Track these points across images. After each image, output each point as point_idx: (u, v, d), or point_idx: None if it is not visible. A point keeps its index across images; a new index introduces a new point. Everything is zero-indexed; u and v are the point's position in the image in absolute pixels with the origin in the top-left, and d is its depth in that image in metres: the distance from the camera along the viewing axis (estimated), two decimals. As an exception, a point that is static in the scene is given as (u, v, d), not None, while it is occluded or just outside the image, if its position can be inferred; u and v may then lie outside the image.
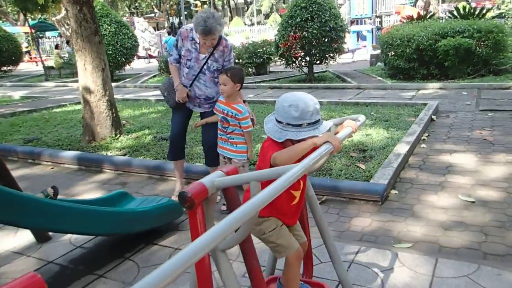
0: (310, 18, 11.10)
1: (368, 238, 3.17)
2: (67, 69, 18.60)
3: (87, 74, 6.06)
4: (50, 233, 3.33)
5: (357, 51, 18.79)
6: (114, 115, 6.33)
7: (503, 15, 18.45)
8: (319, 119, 1.89)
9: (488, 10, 13.76)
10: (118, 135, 6.33)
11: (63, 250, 3.17)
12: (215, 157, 3.80)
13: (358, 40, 21.54)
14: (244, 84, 3.61)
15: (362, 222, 3.44)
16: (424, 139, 5.69)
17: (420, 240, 3.09)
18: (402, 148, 4.90)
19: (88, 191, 4.56)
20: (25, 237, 3.35)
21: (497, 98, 8.25)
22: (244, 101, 3.63)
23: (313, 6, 11.08)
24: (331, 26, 11.13)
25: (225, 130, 3.54)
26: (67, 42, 22.36)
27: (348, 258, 2.78)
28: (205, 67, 3.78)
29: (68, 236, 3.36)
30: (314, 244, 2.94)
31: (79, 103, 10.18)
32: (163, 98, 4.11)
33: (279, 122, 1.89)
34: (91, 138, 6.20)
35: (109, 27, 14.45)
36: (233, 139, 3.52)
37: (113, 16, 14.92)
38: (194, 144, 5.87)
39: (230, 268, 1.66)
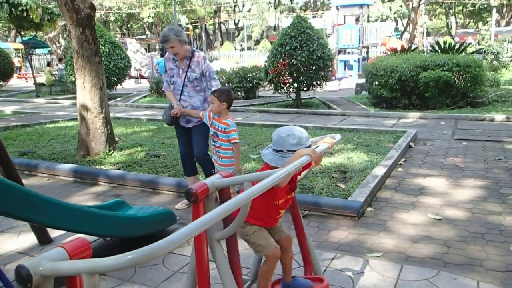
0: (299, 47, 11.63)
1: (344, 248, 3.50)
2: (58, 87, 18.85)
3: (86, 92, 6.38)
4: (52, 236, 3.59)
5: (343, 79, 19.43)
6: (109, 131, 6.63)
7: (483, 50, 19.35)
8: (310, 144, 2.27)
9: (468, 45, 14.51)
10: (112, 151, 6.62)
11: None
12: (209, 164, 4.33)
13: (345, 69, 22.23)
14: (233, 107, 4.05)
15: (339, 234, 3.77)
16: (401, 164, 6.09)
17: (390, 250, 3.43)
18: (379, 171, 5.28)
19: (84, 201, 4.82)
20: (27, 239, 3.60)
21: (472, 128, 8.75)
22: None
23: (302, 36, 11.63)
24: (319, 55, 11.67)
25: (215, 144, 4.05)
26: (60, 60, 22.67)
27: (324, 263, 3.10)
28: (186, 79, 4.38)
29: (69, 239, 3.62)
30: (296, 251, 3.27)
31: (71, 119, 10.48)
32: (157, 118, 4.61)
33: (278, 151, 2.25)
34: (86, 153, 6.47)
35: (103, 47, 14.83)
36: (219, 152, 4.02)
37: (107, 37, 15.36)
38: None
39: (224, 257, 1.97)
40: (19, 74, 30.38)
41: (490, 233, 3.71)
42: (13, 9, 15.41)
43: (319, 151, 2.18)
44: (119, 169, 5.83)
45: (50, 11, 16.07)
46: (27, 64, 29.82)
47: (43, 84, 19.11)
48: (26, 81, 28.34)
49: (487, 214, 4.13)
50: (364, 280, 2.85)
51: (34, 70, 21.00)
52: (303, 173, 2.52)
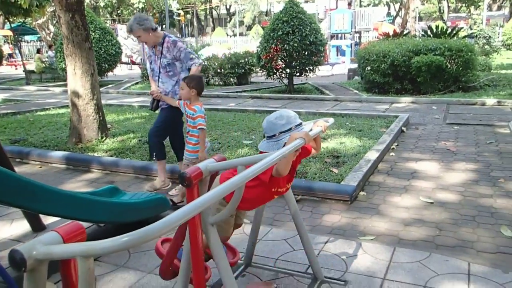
0: (291, 32, 11.58)
1: (337, 231, 3.53)
2: (49, 74, 18.65)
3: (77, 79, 6.31)
4: (45, 223, 3.58)
5: (336, 65, 19.40)
6: (101, 118, 6.59)
7: (474, 35, 19.37)
8: (301, 122, 2.26)
9: (460, 30, 14.52)
10: (104, 138, 6.58)
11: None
12: (152, 147, 4.66)
13: (337, 54, 22.20)
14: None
15: (333, 218, 3.80)
16: (393, 148, 6.12)
17: (382, 233, 3.46)
18: (372, 155, 5.31)
19: (77, 188, 4.80)
20: (20, 227, 3.59)
21: (464, 112, 8.80)
22: None
23: (294, 21, 11.56)
24: (311, 40, 11.63)
25: (187, 131, 4.10)
26: (50, 47, 22.38)
27: (318, 247, 3.12)
28: (160, 65, 4.49)
29: (60, 224, 3.62)
30: (288, 235, 3.30)
31: (62, 107, 10.39)
32: (148, 105, 4.63)
33: (271, 137, 2.24)
34: (78, 140, 6.43)
35: (93, 34, 14.64)
36: (187, 138, 4.10)
37: (97, 23, 15.16)
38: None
39: (218, 240, 1.98)
40: (9, 62, 29.96)
41: (481, 215, 3.75)
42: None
43: (313, 134, 2.17)
44: (111, 156, 5.81)
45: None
46: (17, 51, 29.41)
47: (33, 72, 18.89)
48: (16, 69, 27.99)
49: (478, 197, 4.17)
50: (357, 263, 2.88)
51: (23, 57, 20.72)
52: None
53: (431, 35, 13.56)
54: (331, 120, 2.51)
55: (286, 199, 2.63)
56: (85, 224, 3.51)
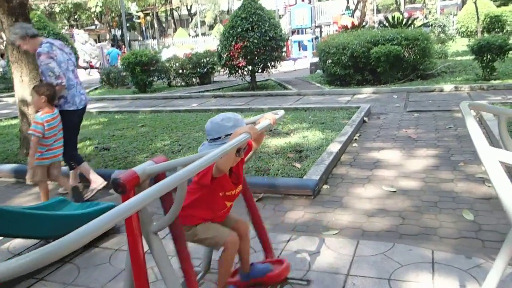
0: (250, 28, 11.45)
1: (300, 228, 3.43)
2: (1, 84, 17.86)
3: (24, 86, 5.97)
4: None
5: (298, 60, 19.43)
6: (54, 126, 6.26)
7: (430, 24, 19.76)
8: (247, 124, 2.14)
9: (415, 19, 14.77)
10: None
11: (0, 258, 3.18)
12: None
13: (299, 49, 22.25)
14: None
15: (295, 214, 3.70)
16: (356, 139, 6.09)
17: (346, 226, 3.38)
18: (334, 147, 5.24)
19: (27, 203, 4.54)
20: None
21: (423, 100, 8.91)
22: None
23: (253, 17, 11.44)
24: (271, 35, 11.54)
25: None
26: (1, 56, 21.47)
27: (280, 246, 3.01)
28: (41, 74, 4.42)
29: (6, 244, 3.37)
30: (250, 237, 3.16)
31: (15, 117, 9.90)
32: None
33: (215, 139, 2.09)
34: (28, 152, 6.08)
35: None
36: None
37: (50, 29, 14.62)
38: (137, 152, 5.94)
39: (163, 250, 1.83)
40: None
41: (442, 200, 3.73)
42: None
43: (260, 128, 2.05)
44: (65, 166, 5.52)
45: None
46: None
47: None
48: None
49: (439, 182, 4.16)
50: (320, 260, 2.78)
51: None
52: (247, 157, 2.40)
53: (388, 26, 13.73)
54: (281, 112, 2.39)
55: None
56: (32, 242, 3.29)
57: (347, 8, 39.70)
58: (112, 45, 21.45)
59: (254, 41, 11.36)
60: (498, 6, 23.76)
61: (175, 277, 1.81)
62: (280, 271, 2.46)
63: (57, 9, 36.54)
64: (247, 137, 1.85)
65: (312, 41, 21.57)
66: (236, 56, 11.64)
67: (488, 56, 10.22)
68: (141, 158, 5.62)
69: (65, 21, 44.58)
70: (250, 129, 1.88)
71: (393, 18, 13.69)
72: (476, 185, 4.02)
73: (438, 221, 3.35)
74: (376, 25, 18.24)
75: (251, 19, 11.43)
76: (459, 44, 20.59)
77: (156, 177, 1.87)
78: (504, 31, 20.04)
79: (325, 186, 4.30)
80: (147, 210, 1.84)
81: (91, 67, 23.57)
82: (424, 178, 4.32)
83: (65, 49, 4.56)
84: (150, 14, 44.24)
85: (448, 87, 9.90)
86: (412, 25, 13.78)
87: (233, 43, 11.53)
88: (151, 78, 13.74)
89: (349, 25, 15.24)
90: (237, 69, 12.11)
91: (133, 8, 38.68)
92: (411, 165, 4.75)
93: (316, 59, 15.14)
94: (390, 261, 2.69)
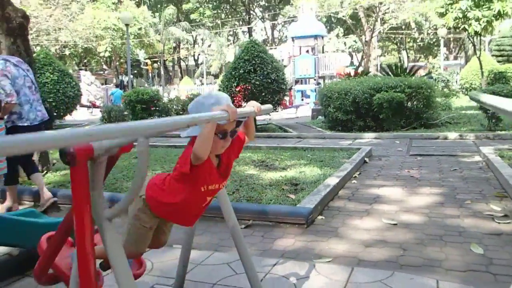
0: (253, 70, 11.47)
1: (289, 255, 3.09)
2: None
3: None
4: None
5: (301, 107, 19.46)
6: (43, 150, 6.04)
7: (433, 78, 19.93)
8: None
9: (419, 68, 14.84)
10: (45, 172, 6.02)
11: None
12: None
13: (302, 99, 22.38)
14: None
15: (286, 242, 3.36)
16: (355, 177, 5.80)
17: (340, 255, 3.04)
18: (332, 181, 4.96)
19: None
20: None
21: (426, 145, 8.67)
22: None
23: (256, 59, 11.50)
24: (273, 78, 11.54)
25: None
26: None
27: (264, 270, 2.67)
28: None
29: None
30: (231, 259, 2.83)
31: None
32: None
33: None
34: (14, 174, 5.83)
35: (51, 75, 14.19)
36: None
37: (56, 65, 14.72)
38: (125, 179, 5.67)
39: (117, 239, 1.54)
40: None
41: (448, 234, 3.40)
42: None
43: (241, 111, 1.79)
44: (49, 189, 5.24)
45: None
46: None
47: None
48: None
49: (444, 218, 3.84)
50: (308, 285, 2.44)
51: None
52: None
53: (391, 74, 13.76)
54: (268, 105, 2.14)
55: (221, 205, 2.21)
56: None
57: (351, 63, 40.53)
58: (117, 86, 21.62)
59: (255, 83, 11.34)
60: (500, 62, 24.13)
61: (127, 270, 1.51)
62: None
63: (67, 52, 37.40)
64: (222, 114, 1.60)
65: (315, 91, 21.72)
66: (237, 97, 11.59)
67: (493, 107, 10.09)
68: (129, 184, 5.33)
69: (75, 66, 45.60)
70: (227, 107, 1.63)
71: (396, 66, 13.75)
72: (485, 222, 3.70)
73: (443, 253, 3.01)
74: (378, 74, 18.40)
75: (253, 61, 11.48)
76: (463, 100, 20.68)
77: (115, 156, 1.61)
78: (509, 87, 20.18)
79: (319, 217, 3.97)
80: (101, 194, 1.56)
81: (94, 106, 23.71)
82: (428, 213, 4.00)
83: (22, 66, 4.56)
84: (158, 62, 45.23)
85: (452, 135, 9.70)
86: (415, 75, 13.82)
87: (235, 84, 11.52)
88: (152, 117, 13.66)
89: (352, 74, 15.33)
90: (238, 110, 12.00)
91: (141, 55, 39.60)
92: (413, 201, 4.44)
93: (318, 107, 15.12)
94: (389, 289, 2.35)
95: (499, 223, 3.62)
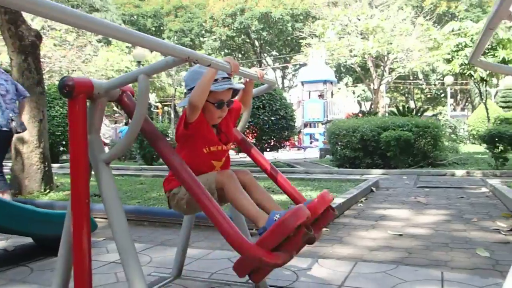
0: (262, 106, 11.62)
1: (291, 255, 3.00)
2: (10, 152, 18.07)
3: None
4: None
5: (309, 149, 19.50)
6: (46, 169, 6.06)
7: (441, 122, 19.97)
8: (229, 77, 1.88)
9: (426, 109, 14.93)
10: (48, 191, 6.00)
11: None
12: None
13: (311, 141, 22.48)
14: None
15: (288, 247, 3.28)
16: (362, 201, 5.72)
17: (344, 257, 2.95)
18: (337, 200, 4.90)
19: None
20: None
21: (434, 181, 8.58)
22: None
23: (265, 96, 11.67)
24: (282, 114, 11.66)
25: None
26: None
27: (265, 263, 2.59)
28: None
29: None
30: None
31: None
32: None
33: (192, 89, 1.86)
34: (17, 192, 5.82)
35: (61, 109, 14.47)
36: None
37: (66, 100, 15.05)
38: (129, 199, 5.63)
39: (112, 183, 1.53)
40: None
41: (455, 242, 3.31)
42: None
43: (243, 71, 1.82)
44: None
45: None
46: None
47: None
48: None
49: (451, 231, 3.75)
50: (311, 274, 2.37)
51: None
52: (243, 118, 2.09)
53: (398, 115, 13.84)
54: (272, 79, 2.16)
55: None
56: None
57: (360, 111, 40.93)
58: (126, 124, 21.91)
59: (264, 118, 11.46)
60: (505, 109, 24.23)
61: (122, 214, 1.48)
62: (312, 203, 1.81)
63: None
64: (224, 63, 1.62)
65: (324, 134, 21.84)
66: (245, 133, 11.68)
67: (500, 147, 10.04)
68: (133, 202, 5.31)
69: (88, 108, 46.50)
70: (230, 60, 1.66)
71: (403, 107, 13.87)
72: (492, 234, 3.60)
73: (449, 256, 2.92)
74: (386, 114, 18.51)
75: (262, 98, 11.65)
76: (471, 147, 20.61)
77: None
78: (514, 128, 20.14)
79: (324, 229, 3.89)
80: (99, 138, 1.57)
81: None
82: (435, 227, 3.91)
83: (1, 76, 5.02)
84: (169, 106, 46.05)
85: (460, 172, 9.61)
86: (422, 115, 13.89)
87: (244, 120, 11.63)
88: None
89: (360, 115, 15.46)
90: (245, 146, 12.07)
91: (152, 98, 40.38)
92: (420, 219, 4.35)
93: (326, 147, 15.15)
94: (393, 277, 2.27)
95: (505, 235, 3.52)
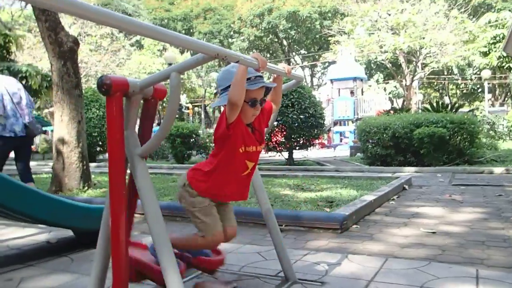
0: (290, 105, 11.61)
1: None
2: (51, 153, 18.75)
3: (63, 125, 6.13)
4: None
5: (339, 147, 19.33)
6: (85, 167, 6.28)
7: (478, 120, 19.37)
8: (262, 76, 1.91)
9: (462, 105, 14.52)
10: (86, 188, 6.21)
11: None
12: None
13: (341, 139, 22.27)
14: None
15: (318, 243, 3.29)
16: (393, 199, 5.65)
17: (375, 253, 2.94)
18: (368, 197, 4.86)
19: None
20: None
21: (470, 178, 8.37)
22: None
23: (294, 94, 11.65)
24: (311, 112, 11.61)
25: None
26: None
27: (295, 258, 2.62)
28: None
29: (7, 242, 3.17)
30: (263, 249, 2.81)
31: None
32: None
33: (225, 89, 1.88)
34: (58, 189, 6.07)
35: (97, 111, 14.90)
36: None
37: (102, 102, 15.45)
38: (161, 195, 5.75)
39: (147, 175, 1.59)
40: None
41: (492, 240, 3.23)
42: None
43: (271, 66, 1.84)
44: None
45: (48, 78, 16.40)
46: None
47: (36, 152, 19.00)
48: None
49: (487, 229, 3.66)
50: (341, 269, 2.37)
51: (33, 145, 21.08)
52: (270, 120, 2.12)
53: (432, 111, 13.51)
54: (299, 74, 2.18)
55: (254, 185, 2.22)
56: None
57: (392, 108, 40.18)
58: (158, 124, 22.37)
59: (293, 117, 11.45)
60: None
61: (156, 205, 1.54)
62: (214, 259, 2.08)
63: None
64: (253, 60, 1.65)
65: (354, 132, 21.59)
66: (274, 132, 11.69)
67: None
68: (166, 199, 5.42)
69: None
70: (258, 56, 1.69)
71: (437, 103, 13.53)
72: (532, 232, 3.49)
73: (485, 254, 2.86)
74: (419, 110, 18.11)
75: (291, 96, 11.63)
76: (511, 144, 19.89)
77: (153, 101, 1.70)
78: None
79: (354, 226, 3.88)
80: (134, 134, 1.63)
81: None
82: (470, 225, 3.83)
83: (14, 85, 5.40)
84: (199, 106, 46.55)
85: (498, 169, 9.33)
86: (457, 111, 13.50)
87: (273, 118, 11.64)
88: (190, 152, 13.95)
89: (392, 112, 15.20)
90: (275, 145, 12.10)
91: (183, 99, 40.91)
92: (454, 217, 4.26)
93: (357, 145, 14.99)
94: (425, 274, 2.25)
95: (548, 233, 3.41)
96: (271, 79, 2.08)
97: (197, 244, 1.94)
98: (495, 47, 15.15)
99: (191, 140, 13.58)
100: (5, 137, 5.15)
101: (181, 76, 1.49)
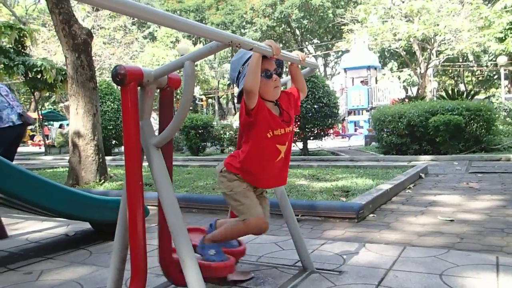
0: (304, 95, 11.53)
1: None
2: (67, 147, 18.99)
3: (78, 118, 6.19)
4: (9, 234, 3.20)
5: (353, 136, 19.21)
6: (101, 160, 6.34)
7: (494, 107, 19.07)
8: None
9: (477, 92, 14.27)
10: (103, 181, 6.28)
11: (17, 243, 3.01)
12: None
13: (355, 129, 22.12)
14: None
15: (335, 233, 3.28)
16: (410, 188, 5.60)
17: (392, 242, 2.92)
18: (384, 186, 4.82)
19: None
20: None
21: (487, 166, 8.25)
22: None
23: (307, 84, 11.43)
24: (325, 102, 11.54)
25: None
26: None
27: (312, 248, 2.61)
28: None
29: (26, 235, 3.22)
30: (279, 240, 2.81)
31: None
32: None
33: (238, 78, 1.88)
34: (75, 182, 6.15)
35: (112, 104, 15.03)
36: None
37: (117, 95, 15.58)
38: (177, 188, 5.79)
39: (163, 165, 1.59)
40: (33, 142, 31.00)
41: (511, 227, 3.18)
42: (28, 71, 15.91)
43: (285, 53, 1.82)
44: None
45: (63, 72, 16.55)
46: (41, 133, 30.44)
47: (53, 146, 19.25)
48: (40, 148, 28.73)
49: (506, 216, 3.61)
50: (358, 258, 2.36)
51: (48, 139, 21.36)
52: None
53: (447, 98, 13.33)
54: (313, 61, 2.16)
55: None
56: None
57: (407, 96, 39.73)
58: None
59: (307, 106, 11.38)
60: None
61: (172, 194, 1.55)
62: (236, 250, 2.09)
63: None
64: (267, 47, 1.64)
65: (369, 121, 21.41)
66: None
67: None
68: (182, 190, 5.46)
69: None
70: (272, 43, 1.68)
71: (452, 90, 13.33)
72: (552, 219, 3.43)
73: (505, 241, 2.82)
74: (434, 98, 17.87)
75: (305, 86, 11.56)
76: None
77: (169, 91, 1.70)
78: None
79: (371, 215, 3.86)
80: (149, 123, 1.64)
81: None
82: (488, 213, 3.78)
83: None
84: (213, 98, 46.62)
85: (516, 156, 9.17)
86: (473, 98, 13.28)
87: (287, 109, 11.60)
88: (205, 143, 14.00)
89: (407, 100, 15.02)
90: (289, 135, 12.05)
91: (197, 90, 40.97)
92: (472, 205, 4.21)
93: (372, 134, 14.88)
94: (444, 262, 2.22)
95: None
96: (286, 69, 2.06)
97: (239, 231, 1.90)
98: (511, 33, 14.77)
99: (206, 132, 13.60)
100: (4, 128, 5.29)
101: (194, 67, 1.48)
